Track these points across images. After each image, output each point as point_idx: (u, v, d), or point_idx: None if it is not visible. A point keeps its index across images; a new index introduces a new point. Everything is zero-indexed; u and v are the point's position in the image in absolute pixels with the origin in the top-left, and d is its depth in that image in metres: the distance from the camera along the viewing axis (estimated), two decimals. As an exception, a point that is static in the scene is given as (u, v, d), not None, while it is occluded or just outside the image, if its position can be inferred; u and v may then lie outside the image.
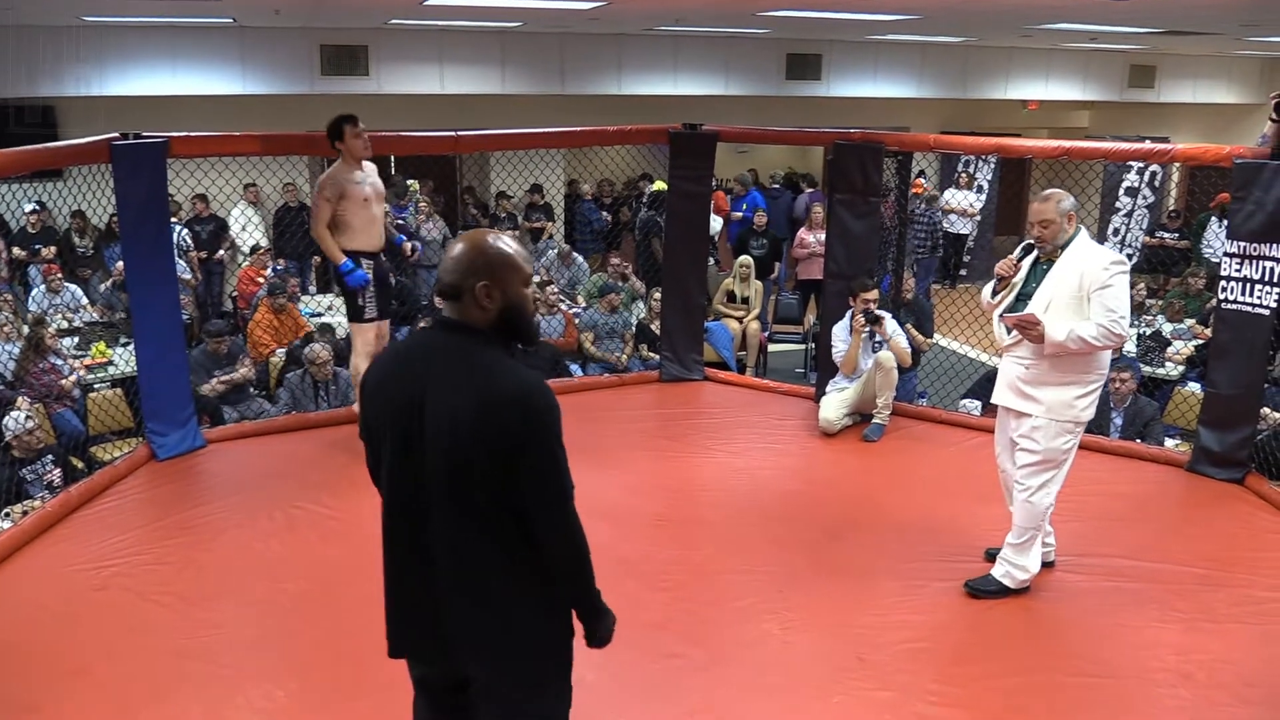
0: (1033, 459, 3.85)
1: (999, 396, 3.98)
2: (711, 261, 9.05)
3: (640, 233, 9.95)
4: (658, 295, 7.23)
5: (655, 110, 9.49)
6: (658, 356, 6.93)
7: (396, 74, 10.33)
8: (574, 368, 7.48)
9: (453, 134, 6.00)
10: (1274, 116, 4.80)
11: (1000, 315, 3.90)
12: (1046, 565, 4.13)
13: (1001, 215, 13.21)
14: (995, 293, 3.96)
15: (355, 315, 5.19)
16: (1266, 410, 5.29)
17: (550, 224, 11.18)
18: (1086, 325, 3.66)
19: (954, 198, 12.07)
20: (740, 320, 8.58)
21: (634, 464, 5.22)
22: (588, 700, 2.33)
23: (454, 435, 1.99)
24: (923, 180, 11.84)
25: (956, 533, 4.41)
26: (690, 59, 11.41)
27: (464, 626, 2.10)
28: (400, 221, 9.82)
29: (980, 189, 12.53)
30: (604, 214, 11.30)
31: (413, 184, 11.12)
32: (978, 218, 12.32)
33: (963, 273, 12.23)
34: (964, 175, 12.37)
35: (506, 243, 2.11)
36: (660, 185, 8.60)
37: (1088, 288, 3.70)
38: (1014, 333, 3.83)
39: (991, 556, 4.15)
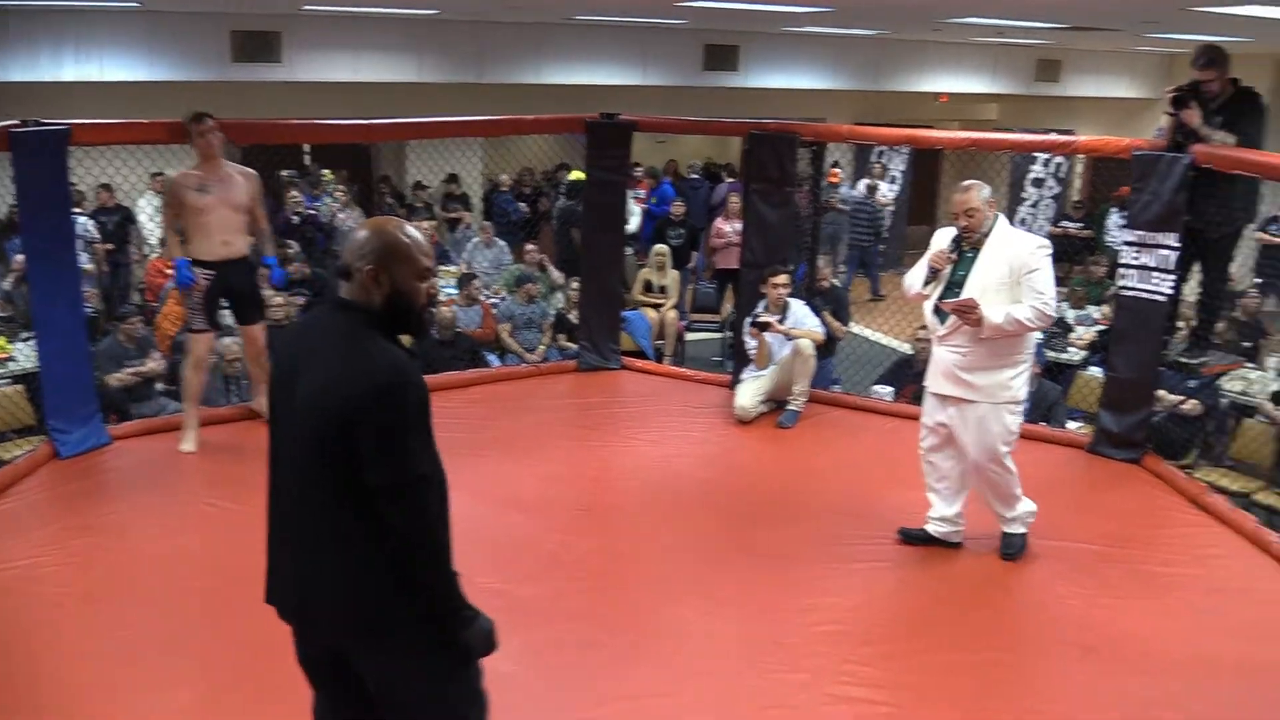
0: (989, 445, 3.99)
1: (935, 385, 4.07)
2: (629, 251, 9.07)
3: (558, 222, 9.93)
4: (575, 285, 7.23)
5: (574, 100, 9.46)
6: (576, 346, 6.93)
7: (310, 61, 10.12)
8: (491, 358, 7.44)
9: (367, 122, 5.92)
10: (1169, 111, 4.98)
11: (939, 302, 3.96)
12: (953, 546, 4.25)
13: (914, 204, 13.47)
14: (926, 283, 4.03)
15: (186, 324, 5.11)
16: (1162, 393, 5.49)
17: (467, 214, 11.08)
18: (1019, 308, 3.81)
19: (850, 190, 12.26)
20: (658, 309, 8.61)
21: (552, 454, 5.22)
22: (506, 692, 2.33)
23: (317, 409, 2.01)
24: (838, 170, 12.01)
25: (871, 516, 4.50)
26: (608, 49, 11.40)
27: (317, 593, 2.11)
28: (312, 212, 9.66)
29: (894, 179, 12.75)
30: (521, 205, 11.24)
31: (327, 173, 10.93)
32: (891, 208, 12.55)
33: (879, 261, 12.45)
34: (878, 166, 12.58)
35: (408, 232, 2.11)
36: (578, 175, 8.57)
37: (1017, 272, 3.84)
38: (949, 321, 3.92)
39: (907, 537, 4.27)
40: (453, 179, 11.22)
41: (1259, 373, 7.23)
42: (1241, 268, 8.46)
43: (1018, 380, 3.98)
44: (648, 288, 8.78)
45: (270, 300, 7.21)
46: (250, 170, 5.13)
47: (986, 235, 3.92)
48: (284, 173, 10.36)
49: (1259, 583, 4.09)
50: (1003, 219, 3.99)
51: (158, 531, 4.30)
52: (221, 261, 4.99)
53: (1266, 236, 9.43)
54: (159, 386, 6.48)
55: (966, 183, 4.00)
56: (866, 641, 3.60)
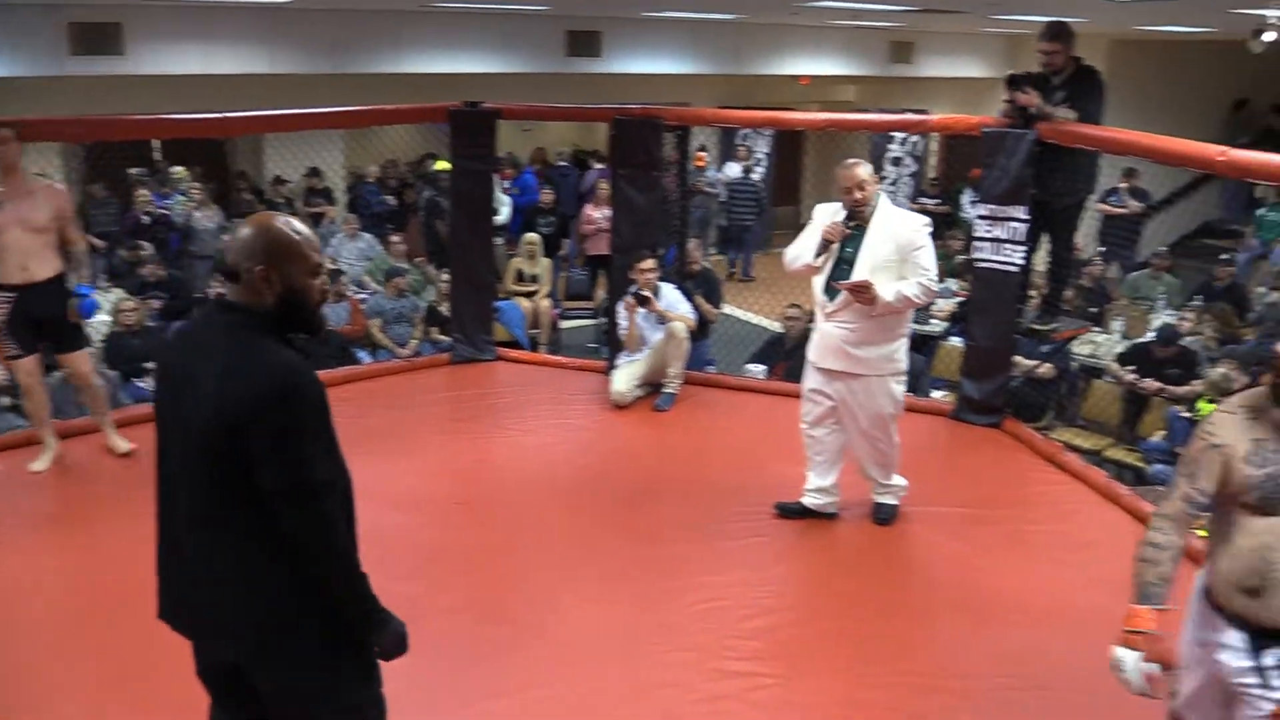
0: (878, 416, 4.11)
1: (822, 360, 4.13)
2: (499, 241, 8.99)
3: (425, 214, 9.76)
4: (445, 277, 7.12)
5: (436, 89, 9.28)
6: (448, 339, 6.83)
7: (155, 53, 9.65)
8: (362, 355, 7.27)
9: (220, 115, 5.69)
10: (1006, 99, 5.18)
11: (835, 283, 3.99)
12: (829, 516, 4.36)
13: (779, 186, 13.71)
14: (818, 255, 4.06)
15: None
16: (1018, 359, 5.73)
17: (331, 208, 10.79)
18: (908, 284, 3.92)
19: (733, 170, 12.43)
20: (531, 298, 8.56)
21: (427, 448, 5.13)
22: (388, 692, 2.28)
23: (209, 416, 1.92)
24: (704, 154, 12.14)
25: (748, 493, 4.56)
26: (469, 36, 11.22)
27: (211, 607, 2.03)
28: (164, 211, 9.26)
29: (758, 161, 12.95)
30: (387, 197, 11.01)
31: (179, 170, 10.48)
32: (765, 197, 12.74)
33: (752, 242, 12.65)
34: (742, 149, 12.76)
35: (296, 228, 2.03)
36: (443, 165, 8.44)
37: (904, 249, 3.94)
38: (839, 298, 3.98)
39: (784, 511, 4.35)
40: (314, 173, 10.90)
41: (1105, 335, 7.64)
42: (1085, 237, 8.91)
43: (901, 352, 4.12)
44: (519, 277, 8.72)
45: (120, 305, 6.91)
46: (58, 186, 4.76)
47: (872, 212, 4.01)
48: (132, 171, 9.90)
49: (1113, 535, 4.30)
50: (884, 196, 4.09)
51: (16, 551, 4.04)
52: (23, 286, 4.52)
53: (1107, 207, 9.93)
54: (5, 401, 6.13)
55: (851, 160, 4.09)
56: (749, 616, 3.66)
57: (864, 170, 4.00)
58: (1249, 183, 9.65)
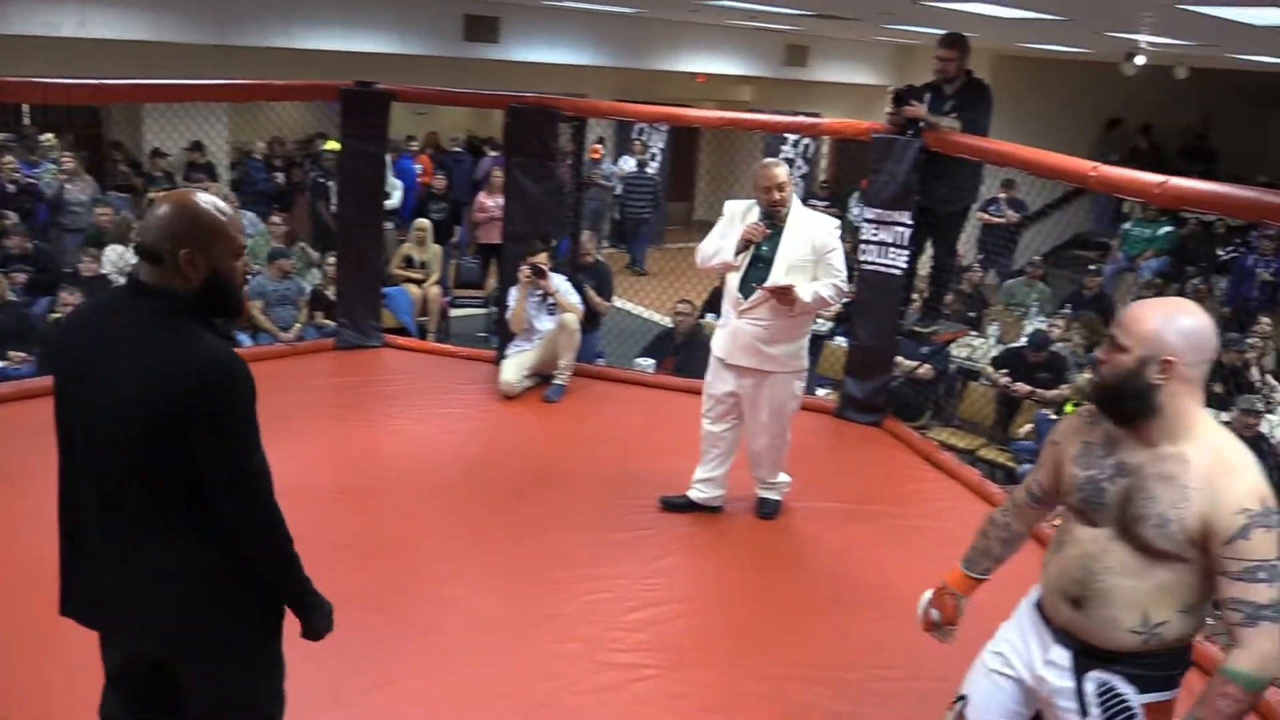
0: (781, 411, 4.19)
1: (732, 357, 4.16)
2: (391, 226, 8.83)
3: (312, 194, 9.51)
4: (332, 260, 6.95)
5: (328, 66, 9.07)
6: (333, 323, 6.67)
7: (27, 15, 9.16)
8: (243, 337, 7.05)
9: (97, 82, 5.43)
10: (889, 111, 5.32)
11: (759, 286, 4.01)
12: (714, 510, 4.42)
13: (673, 181, 13.81)
14: (738, 253, 4.09)
15: None
16: (900, 359, 5.90)
17: (214, 184, 10.41)
18: (823, 285, 4.01)
19: (628, 164, 12.47)
20: (420, 285, 8.43)
21: (311, 436, 5.01)
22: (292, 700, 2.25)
23: (127, 406, 1.85)
24: (600, 147, 12.14)
25: (636, 486, 4.59)
26: (365, 14, 10.97)
27: (134, 600, 1.96)
28: (31, 180, 8.81)
29: (654, 156, 13.02)
30: (276, 175, 10.69)
31: (48, 138, 9.98)
32: (660, 189, 12.82)
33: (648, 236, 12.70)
34: (638, 143, 12.81)
35: (220, 208, 1.96)
36: (332, 145, 8.23)
37: (819, 251, 4.03)
38: (754, 296, 4.02)
39: (669, 505, 4.39)
40: (196, 147, 10.51)
41: (981, 339, 7.92)
42: (966, 244, 9.22)
43: (805, 350, 4.23)
44: (409, 263, 8.57)
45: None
46: None
47: (788, 213, 4.07)
48: (-3, 137, 9.40)
49: (983, 531, 4.48)
50: (797, 198, 4.16)
51: None
52: None
53: (987, 216, 10.29)
54: None
55: (770, 160, 4.17)
56: (635, 608, 3.68)
57: (783, 171, 4.07)
58: (1117, 198, 10.13)
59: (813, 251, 4.03)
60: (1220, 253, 9.85)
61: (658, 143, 13.11)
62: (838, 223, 4.20)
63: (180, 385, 1.84)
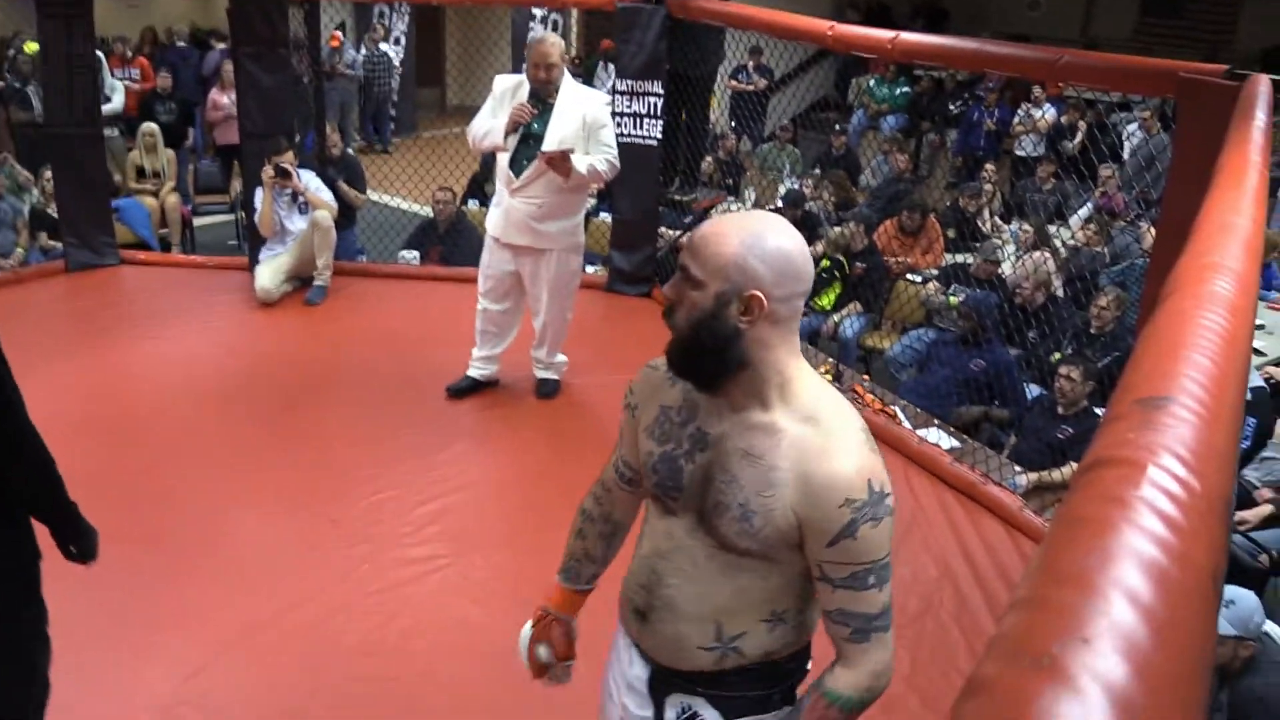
0: (562, 288, 4.21)
1: (508, 236, 4.11)
2: (115, 132, 8.08)
3: (9, 104, 8.53)
4: (49, 175, 6.31)
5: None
6: (60, 245, 6.09)
7: None
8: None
9: None
10: None
11: (540, 152, 3.92)
12: (493, 385, 4.46)
13: (421, 67, 13.26)
14: (508, 135, 3.98)
15: None
16: (663, 229, 6.00)
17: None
18: (597, 159, 3.98)
19: (372, 50, 11.86)
20: (156, 195, 7.80)
21: (50, 367, 4.60)
22: (62, 646, 2.11)
23: None
24: (340, 34, 11.46)
25: (412, 381, 4.52)
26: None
27: None
28: None
29: (397, 40, 12.44)
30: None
31: None
32: (398, 70, 12.28)
33: (391, 127, 12.21)
34: (380, 27, 12.18)
35: None
36: (32, 47, 7.37)
37: (590, 126, 3.98)
38: (526, 173, 3.95)
39: (454, 392, 4.38)
40: None
41: (739, 204, 8.15)
42: (719, 112, 9.39)
43: (580, 226, 4.23)
44: (140, 174, 7.89)
45: None
46: None
47: (557, 89, 3.99)
48: None
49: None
50: (567, 73, 4.07)
51: None
52: None
53: (737, 84, 10.48)
54: None
55: (541, 34, 4.06)
56: (423, 501, 3.67)
57: (555, 51, 3.97)
58: (858, 57, 10.53)
59: (584, 127, 3.99)
60: (952, 107, 10.45)
61: (400, 26, 12.50)
62: (608, 98, 4.18)
63: None
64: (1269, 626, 3.05)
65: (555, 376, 4.51)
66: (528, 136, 4.02)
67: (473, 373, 4.42)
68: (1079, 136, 8.76)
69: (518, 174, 4.02)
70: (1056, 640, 0.50)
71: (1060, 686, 0.47)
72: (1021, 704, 0.46)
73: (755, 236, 1.41)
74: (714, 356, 1.45)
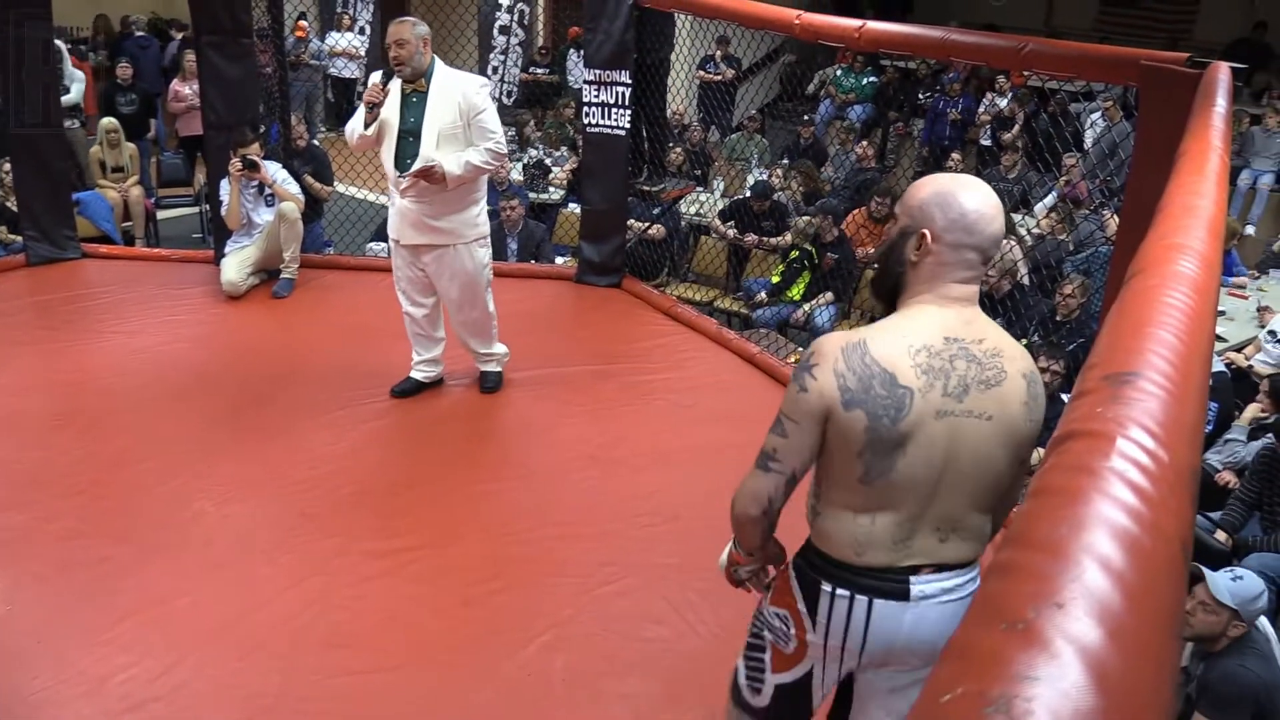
0: (471, 283, 4.08)
1: (405, 236, 4.02)
2: (75, 124, 7.97)
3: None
4: (8, 168, 6.21)
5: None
6: (20, 239, 6.00)
7: None
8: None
9: None
10: None
11: (404, 174, 3.85)
12: (439, 384, 4.43)
13: (386, 57, 13.17)
14: (368, 125, 3.88)
15: None
16: (632, 221, 6.00)
17: None
18: (474, 152, 3.84)
19: (338, 40, 11.76)
20: (118, 189, 7.70)
21: (13, 362, 4.55)
22: (7, 635, 2.05)
23: None
24: (305, 24, 11.34)
25: (378, 372, 4.49)
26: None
27: None
28: None
29: (362, 30, 12.33)
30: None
31: None
32: (364, 60, 12.18)
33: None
34: (345, 17, 12.06)
35: None
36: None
37: (467, 114, 3.85)
38: (403, 180, 3.86)
39: (399, 393, 4.33)
40: None
41: (707, 195, 8.17)
42: (687, 102, 9.39)
43: (481, 216, 4.08)
44: (103, 169, 7.78)
45: None
46: None
47: (429, 78, 3.87)
48: None
49: (724, 376, 4.73)
50: (439, 61, 3.96)
51: None
52: None
53: (705, 74, 10.49)
54: None
55: (402, 17, 3.96)
56: (394, 494, 3.65)
57: (409, 28, 3.82)
58: (826, 46, 10.55)
59: (461, 116, 3.85)
60: (921, 97, 10.51)
61: (365, 15, 12.40)
62: (484, 81, 4.07)
63: None
64: (1261, 621, 3.10)
65: (497, 368, 4.42)
66: (406, 133, 3.87)
67: (415, 375, 4.35)
68: (1015, 127, 8.83)
69: (402, 173, 3.88)
70: (1031, 605, 0.51)
71: (1036, 649, 0.47)
72: (999, 666, 0.47)
73: (944, 190, 1.69)
74: (889, 280, 1.75)
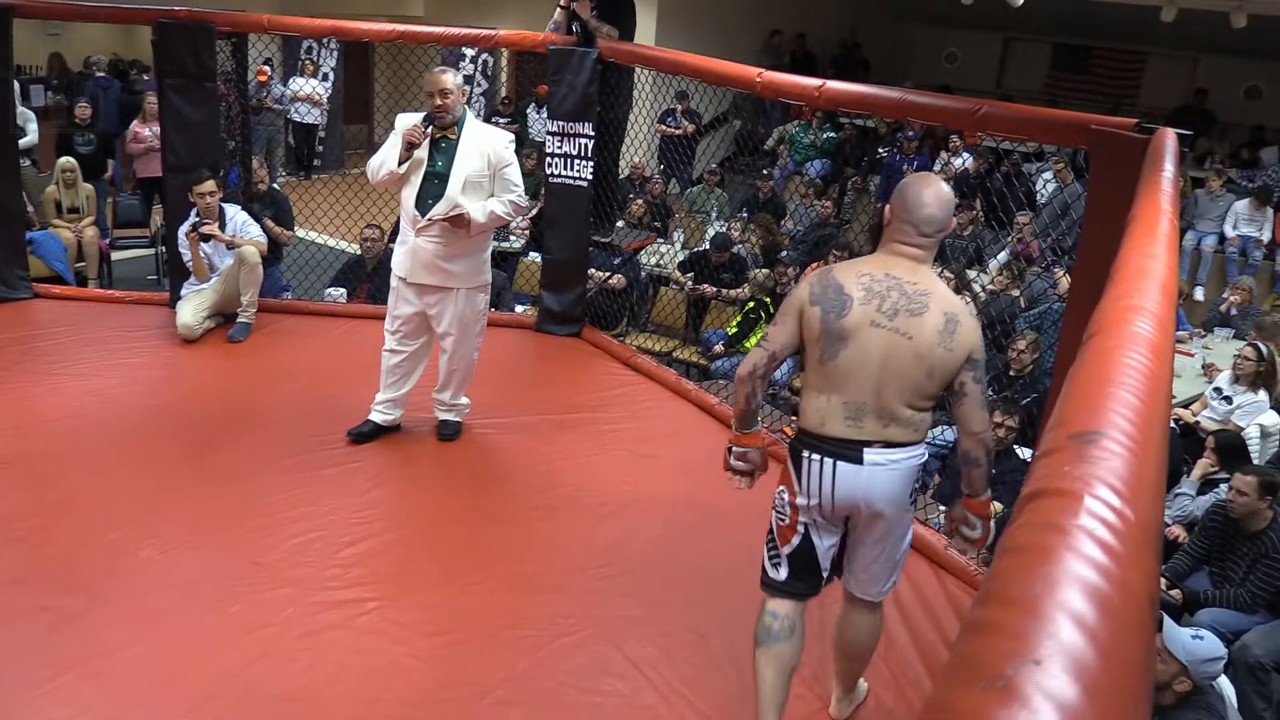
0: (468, 328, 4.15)
1: (415, 275, 4.05)
2: (28, 163, 7.88)
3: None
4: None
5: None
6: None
7: None
8: None
9: None
10: (562, 4, 5.34)
11: (429, 218, 3.92)
12: (397, 429, 4.39)
13: (349, 104, 13.20)
14: (402, 162, 3.93)
15: None
16: (593, 270, 6.03)
17: None
18: (497, 203, 3.96)
19: (301, 86, 11.78)
20: (73, 229, 7.61)
21: (-44, 404, 4.45)
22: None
23: None
24: (267, 69, 11.35)
25: (335, 418, 4.43)
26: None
27: None
28: None
29: (326, 76, 12.37)
30: None
31: None
32: (326, 106, 12.21)
33: (316, 163, 12.12)
34: (309, 63, 12.10)
35: None
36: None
37: (494, 165, 3.97)
38: (430, 213, 3.92)
39: (356, 437, 4.28)
40: None
41: (668, 246, 8.24)
42: (647, 155, 9.50)
43: (487, 264, 4.19)
44: (58, 209, 7.68)
45: None
46: None
47: (461, 125, 3.97)
48: None
49: (683, 426, 4.73)
50: (470, 112, 4.07)
51: None
52: None
53: (665, 128, 10.62)
54: None
55: (441, 67, 4.05)
56: (349, 543, 3.59)
57: (450, 78, 3.97)
58: (784, 103, 10.74)
59: (488, 166, 3.98)
60: (881, 151, 10.71)
61: (329, 62, 12.44)
62: (512, 137, 4.18)
63: None
64: (1222, 680, 3.13)
65: (458, 419, 4.42)
66: (432, 175, 3.97)
67: (375, 417, 4.32)
68: (966, 186, 9.02)
69: (423, 213, 3.97)
70: (1009, 662, 0.51)
71: (1016, 705, 0.48)
72: (979, 723, 0.48)
73: (908, 182, 2.51)
74: (877, 237, 2.55)
